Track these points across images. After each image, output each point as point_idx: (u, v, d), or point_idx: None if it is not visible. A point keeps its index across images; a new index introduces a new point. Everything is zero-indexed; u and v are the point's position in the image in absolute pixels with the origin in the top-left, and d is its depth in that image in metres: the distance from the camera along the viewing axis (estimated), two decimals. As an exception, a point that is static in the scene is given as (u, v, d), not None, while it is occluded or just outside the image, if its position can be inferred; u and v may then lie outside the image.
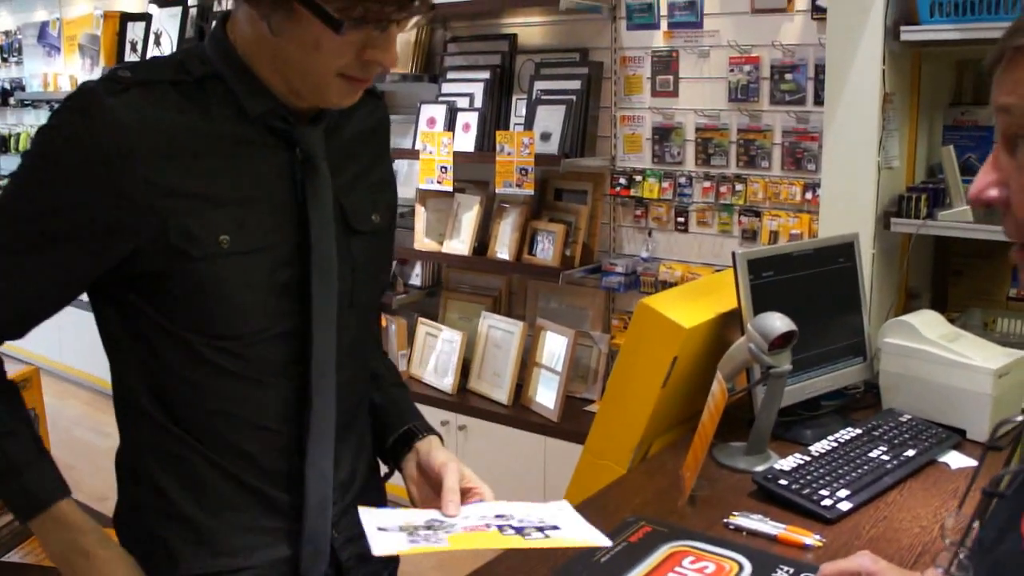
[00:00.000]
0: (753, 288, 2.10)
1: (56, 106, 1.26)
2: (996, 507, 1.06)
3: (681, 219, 3.76)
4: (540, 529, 1.29)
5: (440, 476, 1.36)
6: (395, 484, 1.54)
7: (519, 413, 3.90)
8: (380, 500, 1.53)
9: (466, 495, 1.35)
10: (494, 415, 3.91)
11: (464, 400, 4.05)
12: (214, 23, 1.31)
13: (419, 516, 1.29)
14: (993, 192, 0.92)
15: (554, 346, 3.88)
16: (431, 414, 3.97)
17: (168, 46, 5.12)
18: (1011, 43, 0.90)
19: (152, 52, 5.22)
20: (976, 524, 1.09)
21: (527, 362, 3.98)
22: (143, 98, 1.20)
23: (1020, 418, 1.21)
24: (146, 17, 5.37)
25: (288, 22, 1.17)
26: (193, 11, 5.18)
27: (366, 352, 1.48)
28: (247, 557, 1.33)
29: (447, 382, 4.13)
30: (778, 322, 1.92)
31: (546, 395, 3.85)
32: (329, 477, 1.36)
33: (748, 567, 1.57)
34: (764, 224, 3.52)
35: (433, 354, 4.26)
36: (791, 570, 1.55)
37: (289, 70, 1.23)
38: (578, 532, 1.31)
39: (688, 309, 2.11)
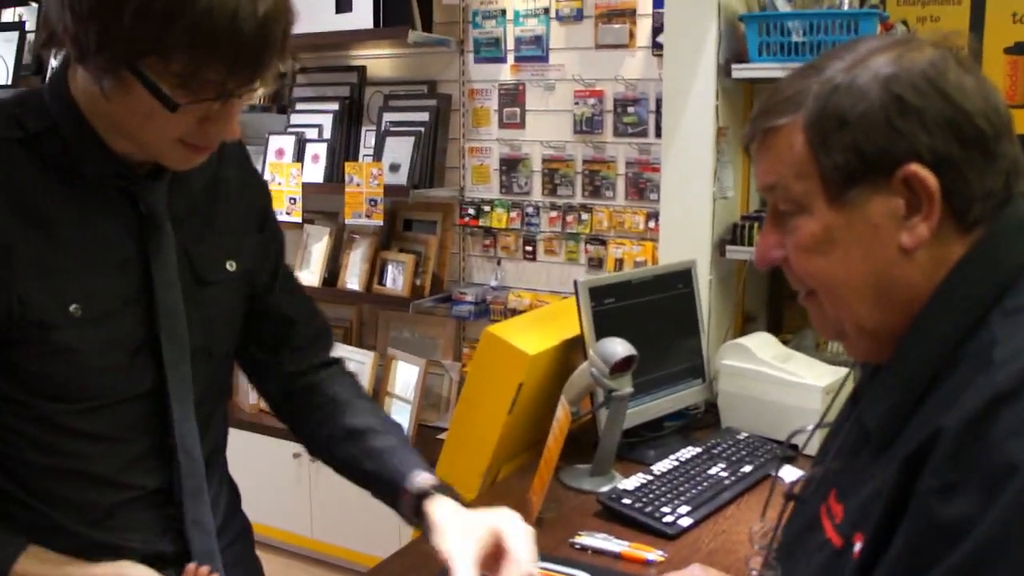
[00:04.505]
0: (595, 314, 2.16)
1: None
2: (796, 510, 1.14)
3: (529, 248, 3.83)
4: None
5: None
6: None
7: (372, 444, 3.87)
8: (244, 526, 1.53)
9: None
10: (346, 446, 3.87)
11: (316, 432, 4.01)
12: (57, 62, 1.22)
13: None
14: (775, 253, 1.04)
15: (405, 375, 3.88)
16: (283, 447, 3.94)
17: (3, 73, 4.93)
18: (760, 126, 1.00)
19: (-15, 79, 5.00)
20: (780, 527, 1.17)
21: (379, 392, 3.97)
22: None
23: (811, 427, 1.29)
24: (-23, 41, 5.13)
25: (120, 90, 1.10)
26: (32, 36, 4.99)
27: (224, 395, 1.47)
28: None
29: (298, 414, 4.08)
30: (619, 347, 1.98)
31: (398, 425, 3.84)
32: (210, 527, 1.35)
33: (593, 584, 1.62)
34: (609, 252, 3.61)
35: (284, 387, 4.21)
36: (633, 585, 1.61)
37: (125, 133, 1.18)
38: None
39: (533, 336, 2.16)
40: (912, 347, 0.96)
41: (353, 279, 4.06)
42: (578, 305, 2.15)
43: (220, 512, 1.45)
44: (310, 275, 4.14)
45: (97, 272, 1.22)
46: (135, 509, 1.30)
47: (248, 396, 4.18)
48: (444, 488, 1.37)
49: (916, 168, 0.92)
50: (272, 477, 4.01)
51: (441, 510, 1.31)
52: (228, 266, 1.38)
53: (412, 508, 1.36)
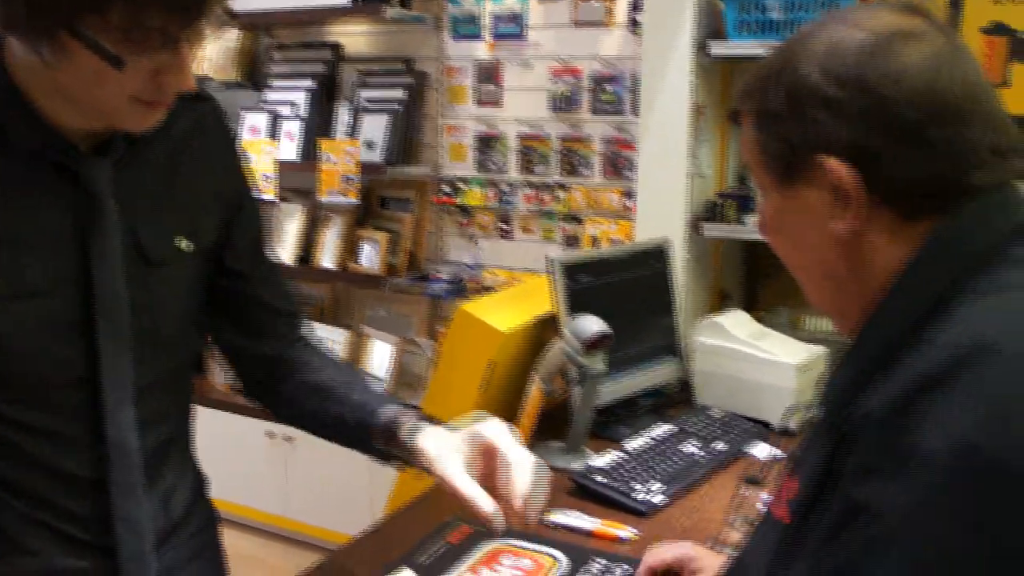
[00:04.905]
0: (569, 292, 2.15)
1: None
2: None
3: (505, 226, 3.82)
4: None
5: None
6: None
7: (346, 423, 3.86)
8: (208, 517, 1.49)
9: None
10: (321, 425, 3.86)
11: (290, 411, 3.99)
12: None
13: None
14: (761, 229, 1.07)
15: (380, 354, 3.87)
16: (256, 426, 3.92)
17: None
18: (735, 108, 1.03)
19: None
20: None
21: (354, 371, 3.95)
22: None
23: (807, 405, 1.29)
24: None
25: (61, 55, 1.04)
26: None
27: (182, 382, 1.40)
28: None
29: (272, 393, 4.06)
30: (593, 325, 1.97)
31: (373, 404, 3.83)
32: (142, 526, 1.28)
33: (564, 561, 1.61)
34: (585, 231, 3.60)
35: (258, 365, 4.18)
36: (604, 561, 1.60)
37: (74, 101, 1.12)
38: None
39: (506, 314, 2.15)
40: (868, 330, 0.96)
41: (328, 257, 4.03)
42: (552, 282, 2.14)
43: (180, 504, 1.39)
44: (284, 253, 4.10)
45: (26, 249, 1.15)
46: (78, 500, 1.24)
47: (221, 375, 4.16)
48: (417, 415, 1.37)
49: (829, 160, 0.92)
50: (246, 456, 3.99)
51: (431, 441, 1.32)
52: (180, 245, 1.30)
53: (384, 442, 1.36)
